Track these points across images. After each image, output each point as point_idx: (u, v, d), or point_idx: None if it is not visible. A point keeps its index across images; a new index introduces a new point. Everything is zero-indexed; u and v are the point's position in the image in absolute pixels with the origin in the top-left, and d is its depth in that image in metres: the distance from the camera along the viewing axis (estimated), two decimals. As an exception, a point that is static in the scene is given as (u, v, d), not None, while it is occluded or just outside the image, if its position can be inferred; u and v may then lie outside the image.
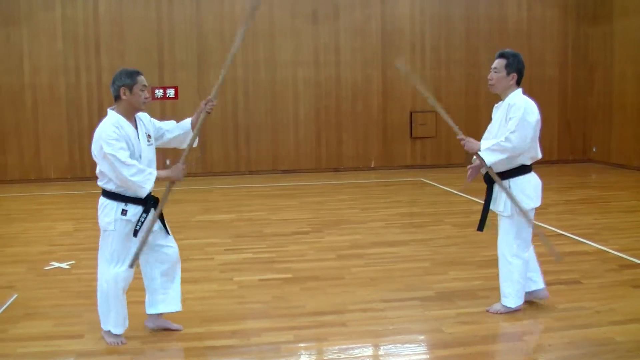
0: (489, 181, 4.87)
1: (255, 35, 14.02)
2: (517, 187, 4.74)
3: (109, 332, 4.45)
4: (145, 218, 4.29)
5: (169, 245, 4.55)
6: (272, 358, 4.23)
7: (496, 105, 5.05)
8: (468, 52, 14.74)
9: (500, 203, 4.80)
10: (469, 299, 5.30)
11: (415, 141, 14.86)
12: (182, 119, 15.33)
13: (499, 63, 4.77)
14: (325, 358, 4.26)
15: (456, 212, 9.39)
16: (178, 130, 4.71)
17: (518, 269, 4.82)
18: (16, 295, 5.60)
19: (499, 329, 4.60)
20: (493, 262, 6.32)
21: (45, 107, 13.40)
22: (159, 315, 4.67)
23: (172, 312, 4.66)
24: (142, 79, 4.33)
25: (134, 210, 4.29)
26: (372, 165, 14.75)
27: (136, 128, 4.39)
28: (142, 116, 4.52)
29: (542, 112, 15.47)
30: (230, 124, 14.17)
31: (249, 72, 14.09)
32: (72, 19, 13.33)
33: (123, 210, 4.26)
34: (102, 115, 14.26)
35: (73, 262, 6.75)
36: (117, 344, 4.41)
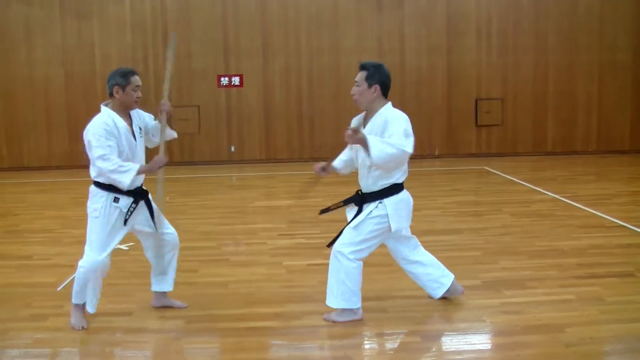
0: (361, 202, 4.61)
1: (319, 22, 14.10)
2: (392, 208, 4.49)
3: (80, 309, 4.57)
4: (134, 208, 4.48)
5: (168, 232, 4.78)
6: (308, 340, 4.31)
7: (357, 117, 4.67)
8: (537, 36, 14.36)
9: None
10: (515, 288, 5.24)
11: (481, 129, 14.61)
12: (247, 107, 15.52)
13: (359, 76, 4.46)
14: (360, 342, 4.30)
15: (516, 201, 9.23)
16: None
17: (346, 270, 4.53)
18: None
19: (541, 320, 4.53)
20: (545, 253, 6.27)
21: (116, 94, 13.89)
22: (164, 294, 4.90)
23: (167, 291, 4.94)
24: (135, 79, 4.42)
25: (126, 201, 4.46)
26: (437, 153, 14.61)
27: (131, 125, 4.54)
28: (134, 111, 4.63)
29: (614, 100, 15.00)
30: (294, 111, 14.31)
31: (313, 58, 14.19)
32: (140, 11, 13.76)
33: (115, 198, 4.44)
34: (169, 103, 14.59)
35: (132, 243, 6.98)
36: (80, 327, 4.50)
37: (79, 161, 13.85)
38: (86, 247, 4.56)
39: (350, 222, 4.62)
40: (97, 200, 4.45)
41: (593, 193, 9.66)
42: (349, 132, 4.28)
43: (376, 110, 4.48)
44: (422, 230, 7.48)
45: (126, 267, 6.15)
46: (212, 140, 14.36)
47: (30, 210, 9.36)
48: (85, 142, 4.39)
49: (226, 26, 13.99)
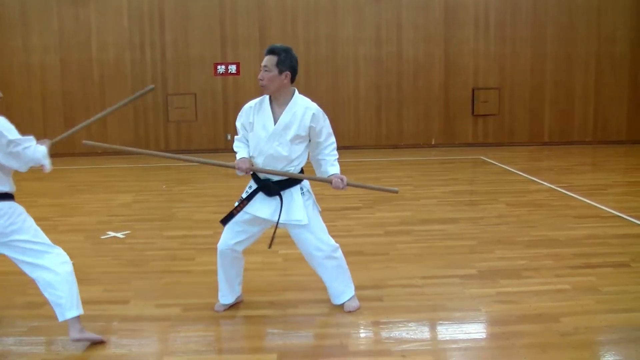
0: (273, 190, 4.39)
1: (317, 12, 14.05)
2: (310, 194, 4.47)
3: (77, 319, 4.02)
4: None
5: None
6: (303, 329, 4.32)
7: (253, 105, 4.41)
8: (535, 28, 14.35)
9: (295, 212, 4.36)
10: (511, 278, 5.24)
11: (477, 119, 14.63)
12: (244, 95, 15.49)
13: (269, 60, 4.21)
14: (356, 331, 4.31)
15: (512, 191, 9.24)
16: None
17: (343, 257, 4.61)
18: (72, 262, 5.84)
19: (537, 309, 4.54)
20: (541, 243, 6.29)
21: (112, 82, 13.85)
22: None
23: None
24: None
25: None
26: (433, 143, 14.62)
27: None
28: None
29: (612, 91, 15.03)
30: (291, 100, 14.28)
31: (310, 48, 14.15)
32: (138, -4, 13.72)
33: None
34: (166, 90, 14.60)
35: (128, 232, 7.00)
36: (99, 339, 4.09)
37: (75, 149, 13.82)
38: (47, 254, 3.96)
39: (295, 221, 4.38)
40: (20, 211, 3.93)
41: (589, 183, 9.68)
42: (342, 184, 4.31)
43: (286, 97, 4.33)
44: (419, 219, 7.51)
45: (122, 255, 6.15)
46: (209, 128, 14.34)
47: (26, 198, 9.29)
48: None
49: (223, 14, 13.94)
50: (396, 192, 4.89)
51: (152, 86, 4.95)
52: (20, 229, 3.87)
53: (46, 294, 3.97)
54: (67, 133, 4.57)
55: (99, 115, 4.85)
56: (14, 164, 3.86)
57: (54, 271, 3.93)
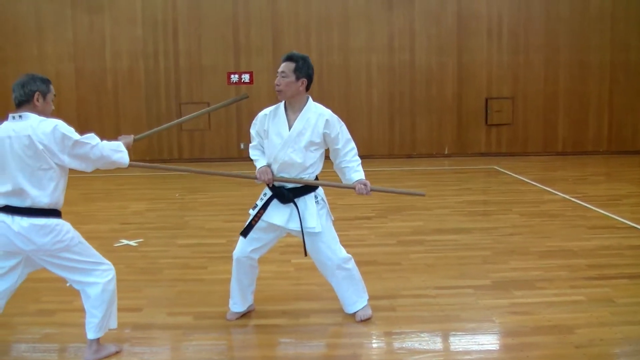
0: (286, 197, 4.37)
1: (329, 21, 14.08)
2: (324, 202, 4.47)
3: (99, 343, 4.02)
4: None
5: None
6: (316, 338, 4.30)
7: (268, 113, 4.45)
8: (548, 36, 14.29)
9: (308, 219, 4.33)
10: (525, 289, 5.20)
11: (491, 128, 14.57)
12: (257, 104, 15.43)
13: (287, 67, 4.26)
14: (368, 341, 4.29)
15: (526, 201, 9.19)
16: None
17: (355, 268, 4.60)
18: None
19: (551, 320, 4.50)
20: (555, 253, 6.24)
21: (126, 90, 13.94)
22: None
23: None
24: (53, 88, 3.90)
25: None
26: (446, 152, 14.58)
27: None
28: None
29: (625, 100, 14.83)
30: (304, 109, 14.30)
31: (322, 57, 14.16)
32: (151, 5, 13.80)
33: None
34: (179, 99, 14.56)
35: (141, 240, 7.02)
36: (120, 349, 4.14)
37: (88, 157, 13.92)
38: (95, 272, 3.90)
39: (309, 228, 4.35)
40: (67, 229, 3.81)
41: (604, 194, 9.60)
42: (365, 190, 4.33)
43: (300, 104, 4.36)
44: (432, 229, 7.48)
45: (135, 263, 6.17)
46: (222, 137, 14.38)
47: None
48: (56, 148, 3.65)
49: (236, 23, 14.00)
50: (423, 195, 4.94)
51: (246, 95, 5.09)
52: (68, 248, 3.79)
53: (85, 305, 3.95)
54: (155, 130, 4.74)
55: (191, 115, 5.10)
56: (81, 165, 3.76)
57: (97, 289, 3.89)
